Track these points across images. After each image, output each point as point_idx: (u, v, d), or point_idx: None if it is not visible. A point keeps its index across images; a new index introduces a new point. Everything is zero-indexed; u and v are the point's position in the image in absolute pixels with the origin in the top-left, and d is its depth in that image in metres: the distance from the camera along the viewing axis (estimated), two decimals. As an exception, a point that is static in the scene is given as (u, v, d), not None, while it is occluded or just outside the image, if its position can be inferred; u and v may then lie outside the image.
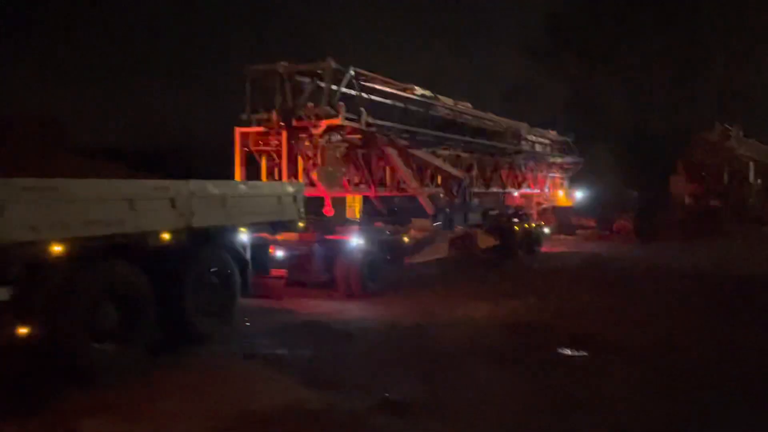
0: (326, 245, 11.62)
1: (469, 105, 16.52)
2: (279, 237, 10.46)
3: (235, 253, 8.75)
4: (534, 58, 40.48)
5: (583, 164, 24.45)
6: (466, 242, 15.49)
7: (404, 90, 13.63)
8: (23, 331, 6.06)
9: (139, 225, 7.03)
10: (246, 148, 11.89)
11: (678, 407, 6.01)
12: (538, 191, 21.83)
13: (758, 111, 36.06)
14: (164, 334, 7.60)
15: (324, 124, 11.19)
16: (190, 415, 5.64)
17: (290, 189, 9.78)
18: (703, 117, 32.09)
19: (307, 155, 11.71)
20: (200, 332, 7.96)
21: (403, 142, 13.23)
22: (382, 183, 13.45)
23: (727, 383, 6.71)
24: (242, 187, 9.65)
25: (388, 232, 13.06)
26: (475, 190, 16.77)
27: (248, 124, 11.84)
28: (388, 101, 13.03)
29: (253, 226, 8.97)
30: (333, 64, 11.25)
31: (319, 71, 11.46)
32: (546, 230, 20.83)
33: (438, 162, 14.67)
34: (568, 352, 7.89)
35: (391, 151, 12.82)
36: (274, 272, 10.16)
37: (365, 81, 12.34)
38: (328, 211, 12.20)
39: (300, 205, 9.75)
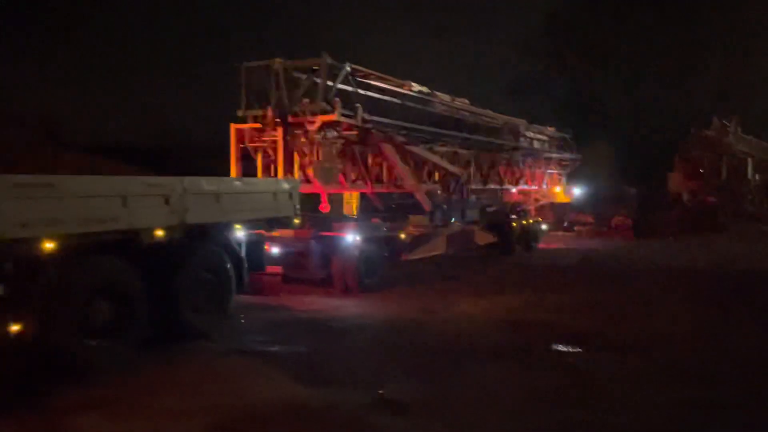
0: (322, 242, 11.58)
1: (467, 101, 16.47)
2: (275, 233, 10.43)
3: (230, 249, 8.72)
4: (532, 54, 40.47)
5: (581, 161, 24.44)
6: (464, 239, 15.46)
7: (401, 86, 13.57)
8: (16, 328, 6.05)
9: (133, 222, 7.02)
10: (242, 145, 11.84)
11: (674, 403, 5.98)
12: (536, 188, 21.80)
13: (756, 107, 36.07)
14: (159, 330, 7.57)
15: (319, 120, 11.14)
16: (186, 412, 5.62)
17: (286, 185, 9.75)
18: (701, 113, 32.11)
19: (302, 151, 11.66)
20: (195, 329, 7.93)
21: (400, 139, 13.18)
22: (379, 179, 13.40)
23: (725, 379, 6.69)
24: (237, 183, 9.63)
25: (384, 229, 13.02)
26: (473, 186, 16.74)
27: (244, 120, 11.79)
28: (384, 97, 12.97)
29: (248, 223, 8.94)
30: (328, 60, 11.20)
31: (314, 67, 11.40)
32: (544, 227, 20.82)
33: (435, 158, 14.63)
34: (564, 348, 7.86)
35: (388, 148, 12.77)
36: (270, 269, 10.13)
37: (361, 77, 12.29)
38: (324, 207, 12.14)
39: (296, 202, 9.72)
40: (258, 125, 11.57)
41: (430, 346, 8.08)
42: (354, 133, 12.20)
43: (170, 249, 7.57)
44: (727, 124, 28.61)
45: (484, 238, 16.49)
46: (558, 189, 23.60)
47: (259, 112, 11.50)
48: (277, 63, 11.28)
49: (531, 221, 19.23)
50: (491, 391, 6.33)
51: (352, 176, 12.78)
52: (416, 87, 13.95)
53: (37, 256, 6.15)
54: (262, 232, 9.66)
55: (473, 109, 16.65)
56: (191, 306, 7.90)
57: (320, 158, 11.77)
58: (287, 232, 10.77)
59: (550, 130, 22.41)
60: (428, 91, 14.35)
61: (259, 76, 11.58)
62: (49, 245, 6.17)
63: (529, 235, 18.75)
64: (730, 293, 11.82)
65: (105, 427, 5.36)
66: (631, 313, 10.06)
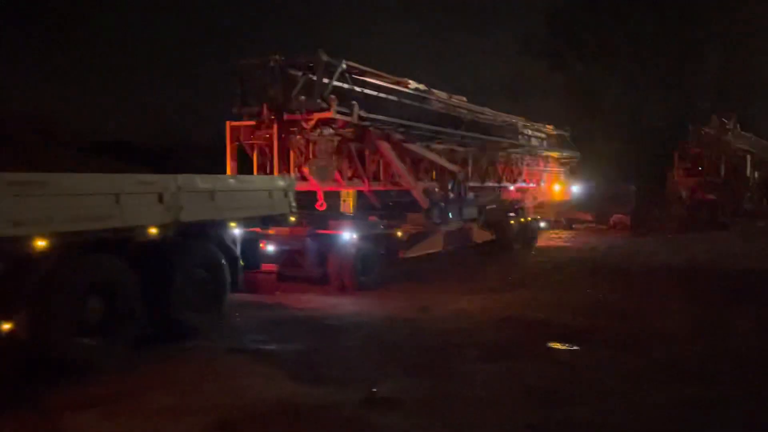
0: (319, 240, 11.54)
1: (464, 99, 16.41)
2: (270, 231, 10.38)
3: (225, 247, 8.69)
4: (531, 52, 40.43)
5: (580, 158, 24.37)
6: (462, 236, 15.42)
7: (398, 83, 13.52)
8: (7, 326, 6.02)
9: (126, 220, 6.98)
10: (237, 142, 11.80)
11: (675, 402, 5.94)
12: (535, 185, 21.73)
13: (755, 104, 36.04)
14: (155, 329, 7.56)
15: (315, 117, 11.09)
16: (184, 411, 5.59)
17: (281, 183, 9.72)
18: (700, 111, 32.09)
19: (298, 149, 11.61)
20: (189, 327, 7.90)
21: (398, 136, 13.13)
22: (376, 177, 13.35)
23: (725, 379, 6.65)
24: (231, 181, 9.59)
25: (382, 227, 12.98)
26: (471, 184, 16.68)
27: (240, 117, 11.74)
28: (381, 95, 12.91)
29: (243, 221, 8.91)
30: (324, 57, 11.13)
31: (310, 64, 11.35)
32: (542, 224, 20.79)
33: (433, 156, 14.57)
34: (562, 346, 7.82)
35: (385, 145, 12.72)
36: (266, 267, 10.09)
37: (357, 74, 12.23)
38: (320, 205, 12.10)
39: (291, 199, 9.68)
40: (253, 122, 11.53)
41: (427, 344, 8.05)
42: (350, 130, 12.15)
43: (164, 247, 7.55)
44: (726, 121, 28.57)
45: (482, 235, 16.45)
46: (556, 187, 23.53)
47: (255, 110, 11.45)
48: (273, 60, 11.22)
49: (529, 219, 19.19)
50: (488, 389, 6.29)
51: (349, 174, 12.73)
52: (413, 84, 13.89)
53: (29, 254, 6.12)
54: (258, 229, 9.63)
55: (471, 106, 16.59)
56: (186, 304, 7.86)
57: (316, 156, 11.71)
58: (283, 230, 10.74)
59: (549, 127, 22.33)
60: (425, 88, 14.29)
61: (255, 73, 11.53)
62: (42, 243, 6.13)
63: (528, 232, 18.71)
64: (730, 291, 11.78)
65: (103, 426, 5.33)
66: (630, 311, 10.01)
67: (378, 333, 8.65)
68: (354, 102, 11.62)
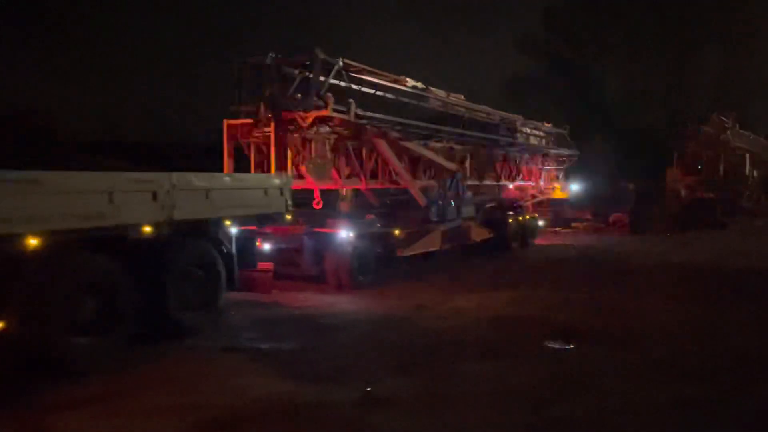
0: (315, 238, 11.50)
1: (462, 97, 16.37)
2: (267, 229, 10.34)
3: (220, 246, 8.65)
4: (529, 50, 40.40)
5: (579, 156, 24.33)
6: (460, 235, 15.37)
7: (395, 81, 13.48)
8: (0, 325, 5.97)
9: (120, 218, 6.95)
10: (234, 140, 11.76)
11: (674, 401, 5.90)
12: (533, 184, 21.69)
13: (754, 103, 36.03)
14: (150, 327, 7.50)
15: (312, 115, 11.05)
16: (180, 409, 5.55)
17: (277, 181, 9.68)
18: (699, 109, 32.07)
19: (295, 147, 11.57)
20: (184, 325, 7.88)
21: (395, 134, 13.09)
22: (373, 175, 13.32)
23: (724, 377, 6.61)
24: (227, 179, 9.55)
25: (379, 225, 12.94)
26: (469, 182, 16.64)
27: (237, 116, 11.70)
28: (378, 93, 12.88)
29: (239, 219, 8.86)
30: (321, 55, 11.10)
31: (307, 62, 11.31)
32: (540, 223, 20.75)
33: (431, 154, 14.53)
34: (560, 345, 7.78)
35: (382, 144, 12.68)
36: (262, 265, 10.04)
37: (354, 72, 12.19)
38: (317, 203, 12.06)
39: (287, 198, 9.64)
40: (250, 121, 11.49)
41: (423, 343, 8.01)
42: (347, 128, 12.11)
43: (159, 245, 7.52)
44: (725, 120, 28.57)
45: (480, 234, 16.41)
46: (555, 185, 23.50)
47: (252, 108, 11.42)
48: (270, 58, 11.18)
49: (527, 217, 19.15)
50: (485, 387, 6.25)
51: (346, 172, 12.70)
52: (411, 82, 13.85)
53: (22, 252, 6.08)
54: (254, 228, 9.59)
55: (469, 104, 16.55)
56: (181, 303, 7.84)
57: (313, 154, 11.67)
58: (280, 228, 10.69)
59: (547, 125, 22.30)
60: (423, 86, 14.25)
61: (252, 71, 11.49)
62: (34, 242, 6.09)
63: (526, 231, 18.67)
64: (728, 289, 11.75)
65: (98, 425, 5.30)
66: (628, 309, 9.97)
67: (375, 331, 8.62)
68: (351, 100, 11.58)
